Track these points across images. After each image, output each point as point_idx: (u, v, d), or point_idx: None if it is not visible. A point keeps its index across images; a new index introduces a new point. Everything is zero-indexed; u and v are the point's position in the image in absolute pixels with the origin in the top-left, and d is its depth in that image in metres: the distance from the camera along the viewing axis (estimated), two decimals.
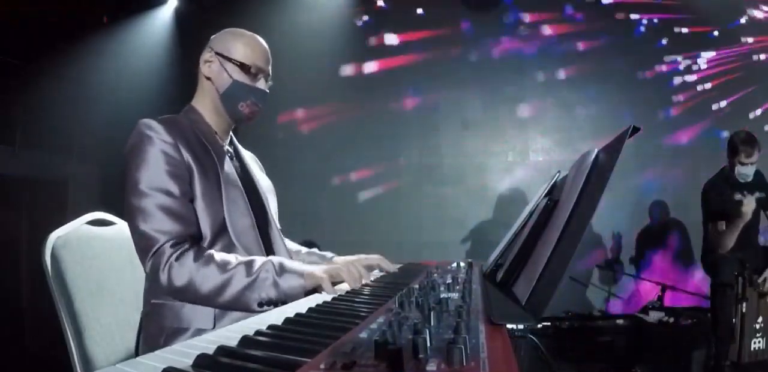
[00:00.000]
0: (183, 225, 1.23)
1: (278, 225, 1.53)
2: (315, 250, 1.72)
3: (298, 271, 1.23)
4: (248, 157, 1.59)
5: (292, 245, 1.66)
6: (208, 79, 1.42)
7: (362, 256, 1.64)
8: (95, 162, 3.85)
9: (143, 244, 1.21)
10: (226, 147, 1.46)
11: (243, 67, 1.39)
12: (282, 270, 1.23)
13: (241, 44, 1.41)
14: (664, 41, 4.54)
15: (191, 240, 1.24)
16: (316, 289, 1.23)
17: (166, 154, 1.26)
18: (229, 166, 1.38)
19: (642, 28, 4.57)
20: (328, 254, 1.69)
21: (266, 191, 1.53)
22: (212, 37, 1.45)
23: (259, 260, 1.24)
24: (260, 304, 1.20)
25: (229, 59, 1.39)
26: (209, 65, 1.41)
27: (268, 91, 1.44)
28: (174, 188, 1.24)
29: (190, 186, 1.27)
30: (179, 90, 3.87)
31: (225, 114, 1.43)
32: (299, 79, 4.26)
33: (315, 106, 4.53)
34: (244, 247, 1.32)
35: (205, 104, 1.43)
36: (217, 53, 1.40)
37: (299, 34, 4.42)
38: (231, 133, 1.51)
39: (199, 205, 1.28)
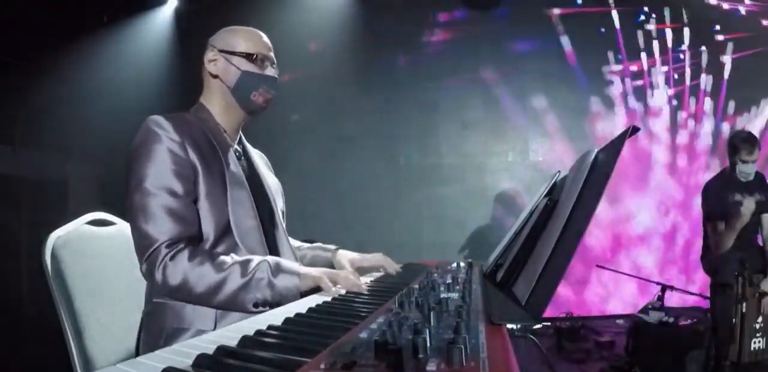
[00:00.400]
0: (183, 226, 1.23)
1: (285, 226, 1.52)
2: (318, 243, 1.72)
3: (294, 272, 1.23)
4: (257, 156, 1.58)
5: (294, 242, 1.66)
6: (215, 77, 1.42)
7: (366, 255, 1.64)
8: (95, 162, 3.85)
9: (142, 244, 1.22)
10: (235, 146, 1.46)
11: (249, 57, 1.40)
12: (278, 270, 1.22)
13: (241, 37, 1.42)
14: (669, 35, 4.54)
15: (188, 241, 1.23)
16: (318, 287, 1.23)
17: (172, 153, 1.25)
18: (236, 166, 1.38)
19: (640, 20, 4.57)
20: (331, 247, 1.68)
21: (274, 192, 1.53)
22: (210, 38, 1.46)
23: (255, 260, 1.24)
24: (255, 305, 1.20)
25: (233, 53, 1.40)
26: (214, 63, 1.42)
27: (277, 77, 1.45)
28: (179, 188, 1.24)
29: (194, 186, 1.27)
30: (179, 90, 3.88)
31: (238, 108, 1.43)
32: (299, 77, 4.26)
33: (315, 105, 4.53)
34: (248, 249, 1.31)
35: (214, 103, 1.43)
36: (220, 50, 1.41)
37: (299, 33, 4.42)
38: (240, 131, 1.51)
39: (204, 205, 1.28)
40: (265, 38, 1.46)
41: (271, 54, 1.45)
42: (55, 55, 3.47)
